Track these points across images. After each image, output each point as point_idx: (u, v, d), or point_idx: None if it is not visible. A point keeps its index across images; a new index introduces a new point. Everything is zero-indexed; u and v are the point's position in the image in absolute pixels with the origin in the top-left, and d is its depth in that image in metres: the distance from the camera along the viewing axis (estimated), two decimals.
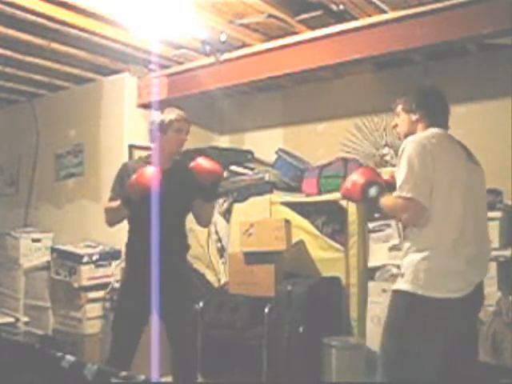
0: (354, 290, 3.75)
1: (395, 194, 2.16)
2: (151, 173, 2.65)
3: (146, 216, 2.68)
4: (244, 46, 3.87)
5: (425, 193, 2.11)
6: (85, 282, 4.10)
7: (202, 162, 2.82)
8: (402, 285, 2.16)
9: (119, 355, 2.79)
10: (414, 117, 2.30)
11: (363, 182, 2.34)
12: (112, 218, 2.86)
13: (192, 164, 2.81)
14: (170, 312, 2.84)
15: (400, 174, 2.15)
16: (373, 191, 2.31)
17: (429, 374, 2.10)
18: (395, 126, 2.42)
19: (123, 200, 2.72)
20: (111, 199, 2.86)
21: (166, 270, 2.74)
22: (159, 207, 2.69)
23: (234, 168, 4.57)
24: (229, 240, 4.35)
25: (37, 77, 4.60)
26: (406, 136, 2.28)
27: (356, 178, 2.38)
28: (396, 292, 2.20)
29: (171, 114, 2.85)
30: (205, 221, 3.06)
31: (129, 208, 2.73)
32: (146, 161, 2.89)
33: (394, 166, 4.09)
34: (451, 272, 2.10)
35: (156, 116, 2.91)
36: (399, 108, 2.37)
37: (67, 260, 4.18)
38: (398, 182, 2.14)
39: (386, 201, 2.25)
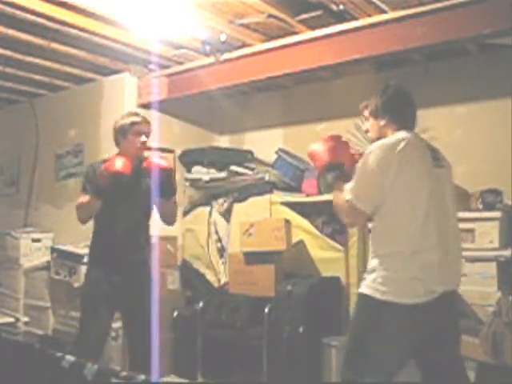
0: (354, 289, 3.75)
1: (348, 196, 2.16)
2: (120, 160, 2.71)
3: (113, 214, 2.82)
4: (244, 45, 3.87)
5: (367, 200, 2.12)
6: None
7: (152, 160, 2.87)
8: (363, 288, 2.17)
9: (87, 350, 2.82)
10: (381, 122, 2.27)
11: (324, 163, 2.30)
12: (83, 214, 2.90)
13: (143, 164, 2.87)
14: (129, 309, 2.94)
15: (354, 176, 2.15)
16: (330, 178, 2.29)
17: (384, 375, 2.12)
18: (367, 131, 2.37)
19: (94, 191, 2.77)
20: (82, 196, 2.91)
21: (127, 267, 2.87)
22: (124, 206, 2.82)
23: (233, 168, 4.57)
24: (229, 240, 4.36)
25: (37, 77, 4.60)
26: (377, 141, 2.21)
27: (322, 152, 2.31)
28: (359, 295, 2.21)
29: (131, 118, 2.90)
30: (169, 219, 3.09)
31: (99, 198, 2.78)
32: None
33: None
34: (407, 278, 2.08)
35: (117, 119, 2.94)
36: (366, 113, 2.34)
37: (67, 260, 4.18)
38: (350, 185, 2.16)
39: (337, 197, 2.25)
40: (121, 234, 2.89)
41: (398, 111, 2.26)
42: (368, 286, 2.14)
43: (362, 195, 2.13)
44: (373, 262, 2.15)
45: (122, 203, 2.86)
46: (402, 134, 2.15)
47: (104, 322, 2.91)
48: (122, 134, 2.88)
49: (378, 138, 2.23)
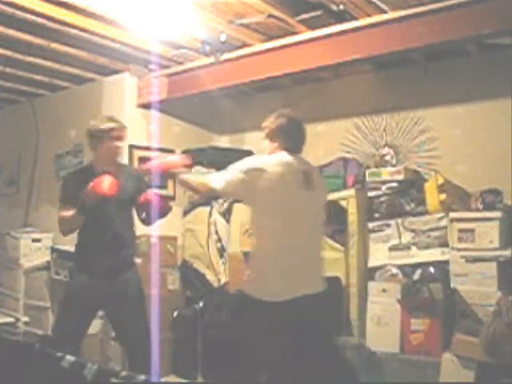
0: (354, 289, 3.75)
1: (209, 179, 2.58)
2: (107, 181, 2.71)
3: (96, 221, 2.84)
4: (244, 45, 3.87)
5: (228, 191, 2.54)
6: None
7: (151, 197, 2.95)
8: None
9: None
10: (274, 144, 2.62)
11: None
12: (67, 227, 2.92)
13: (141, 199, 2.94)
14: (115, 313, 2.95)
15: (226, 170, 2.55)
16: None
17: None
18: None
19: (79, 208, 2.77)
20: (62, 209, 2.89)
21: (113, 270, 2.89)
22: (107, 212, 2.86)
23: None
24: (229, 240, 4.35)
25: (37, 77, 4.61)
26: None
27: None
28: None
29: (109, 123, 2.92)
30: (146, 224, 3.11)
31: (84, 215, 2.80)
32: (87, 169, 2.98)
33: (394, 165, 4.11)
34: (269, 278, 2.44)
35: (93, 124, 2.96)
36: (264, 135, 2.67)
37: (67, 260, 4.17)
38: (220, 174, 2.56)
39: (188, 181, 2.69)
40: (105, 238, 2.90)
41: (288, 138, 2.60)
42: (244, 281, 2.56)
43: (226, 187, 2.49)
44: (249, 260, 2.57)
45: (105, 210, 2.85)
46: (282, 157, 2.52)
47: (82, 324, 2.92)
48: (98, 139, 2.90)
49: None
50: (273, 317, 2.39)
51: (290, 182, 2.49)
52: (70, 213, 2.80)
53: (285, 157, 2.53)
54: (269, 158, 2.54)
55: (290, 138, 2.61)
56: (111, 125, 2.91)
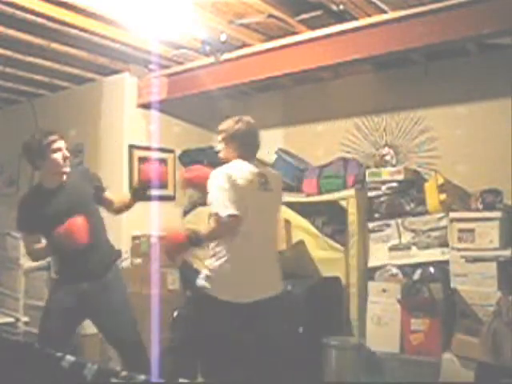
0: (354, 290, 3.75)
1: (214, 212, 2.48)
2: (78, 229, 2.67)
3: None
4: (244, 45, 3.87)
5: (235, 207, 2.47)
6: None
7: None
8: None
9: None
10: (229, 148, 2.69)
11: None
12: (37, 257, 3.02)
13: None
14: (100, 319, 2.95)
15: (211, 197, 2.51)
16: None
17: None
18: (219, 151, 2.76)
19: (50, 249, 2.81)
20: (27, 240, 2.93)
21: (93, 273, 2.88)
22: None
23: None
24: None
25: (37, 77, 4.60)
26: (223, 161, 2.67)
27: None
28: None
29: (47, 137, 2.79)
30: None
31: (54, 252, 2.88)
32: (39, 187, 2.91)
33: (394, 165, 4.10)
34: (229, 279, 2.52)
35: (29, 142, 2.84)
36: (220, 137, 2.73)
37: None
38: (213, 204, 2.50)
39: (209, 233, 2.54)
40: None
41: (243, 144, 2.68)
42: (202, 278, 2.59)
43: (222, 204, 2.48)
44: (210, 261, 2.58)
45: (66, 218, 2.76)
46: (239, 164, 2.60)
47: (66, 331, 2.89)
48: (40, 155, 2.78)
49: (225, 161, 2.67)
50: (232, 317, 2.50)
51: (252, 186, 2.56)
52: (39, 246, 2.83)
53: (241, 163, 2.62)
54: (229, 166, 2.60)
55: (246, 144, 2.69)
56: (52, 137, 2.79)
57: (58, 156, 2.79)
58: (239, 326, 2.52)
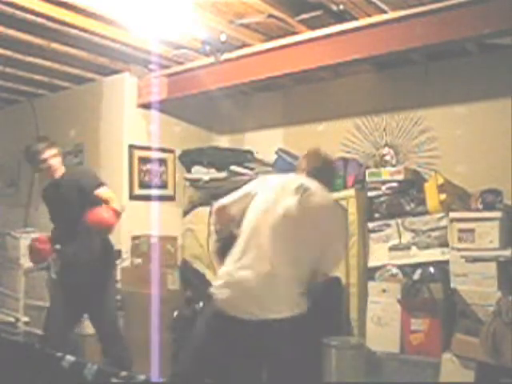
0: (354, 289, 3.75)
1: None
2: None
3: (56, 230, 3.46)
4: (244, 45, 3.87)
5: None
6: None
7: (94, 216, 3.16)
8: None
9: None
10: None
11: None
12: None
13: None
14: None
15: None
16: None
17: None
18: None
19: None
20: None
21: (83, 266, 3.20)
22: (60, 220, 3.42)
23: (233, 168, 4.57)
24: None
25: (37, 77, 4.61)
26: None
27: None
28: None
29: (34, 148, 3.25)
30: None
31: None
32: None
33: (394, 165, 4.10)
34: (228, 291, 2.38)
35: (30, 148, 3.29)
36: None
37: None
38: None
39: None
40: (67, 242, 3.30)
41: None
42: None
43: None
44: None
45: (69, 217, 3.29)
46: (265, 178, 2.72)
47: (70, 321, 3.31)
48: (36, 166, 3.30)
49: None
50: (229, 331, 2.39)
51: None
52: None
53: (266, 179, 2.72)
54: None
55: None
56: (36, 152, 3.22)
57: (47, 165, 3.24)
58: (242, 343, 2.43)
